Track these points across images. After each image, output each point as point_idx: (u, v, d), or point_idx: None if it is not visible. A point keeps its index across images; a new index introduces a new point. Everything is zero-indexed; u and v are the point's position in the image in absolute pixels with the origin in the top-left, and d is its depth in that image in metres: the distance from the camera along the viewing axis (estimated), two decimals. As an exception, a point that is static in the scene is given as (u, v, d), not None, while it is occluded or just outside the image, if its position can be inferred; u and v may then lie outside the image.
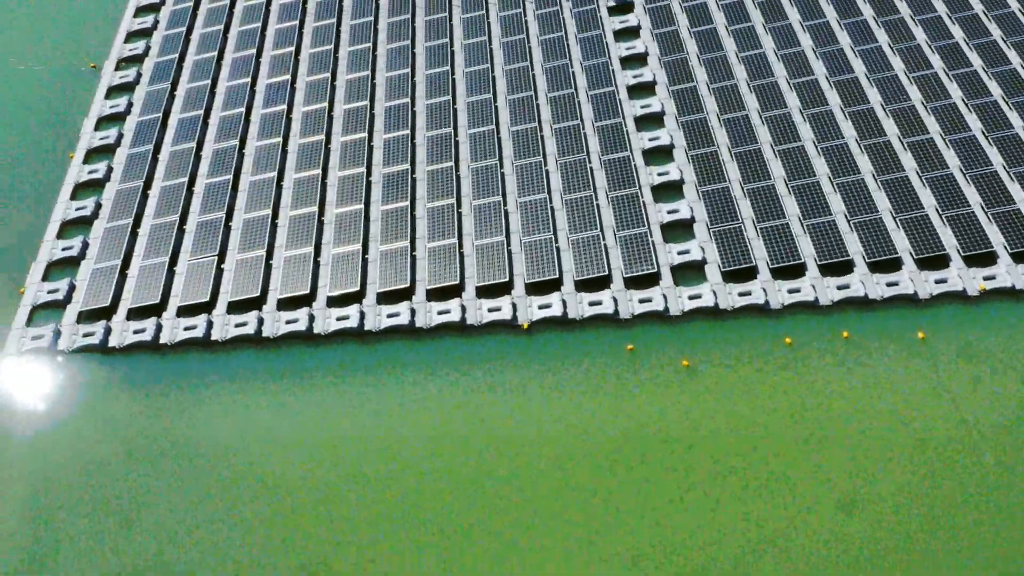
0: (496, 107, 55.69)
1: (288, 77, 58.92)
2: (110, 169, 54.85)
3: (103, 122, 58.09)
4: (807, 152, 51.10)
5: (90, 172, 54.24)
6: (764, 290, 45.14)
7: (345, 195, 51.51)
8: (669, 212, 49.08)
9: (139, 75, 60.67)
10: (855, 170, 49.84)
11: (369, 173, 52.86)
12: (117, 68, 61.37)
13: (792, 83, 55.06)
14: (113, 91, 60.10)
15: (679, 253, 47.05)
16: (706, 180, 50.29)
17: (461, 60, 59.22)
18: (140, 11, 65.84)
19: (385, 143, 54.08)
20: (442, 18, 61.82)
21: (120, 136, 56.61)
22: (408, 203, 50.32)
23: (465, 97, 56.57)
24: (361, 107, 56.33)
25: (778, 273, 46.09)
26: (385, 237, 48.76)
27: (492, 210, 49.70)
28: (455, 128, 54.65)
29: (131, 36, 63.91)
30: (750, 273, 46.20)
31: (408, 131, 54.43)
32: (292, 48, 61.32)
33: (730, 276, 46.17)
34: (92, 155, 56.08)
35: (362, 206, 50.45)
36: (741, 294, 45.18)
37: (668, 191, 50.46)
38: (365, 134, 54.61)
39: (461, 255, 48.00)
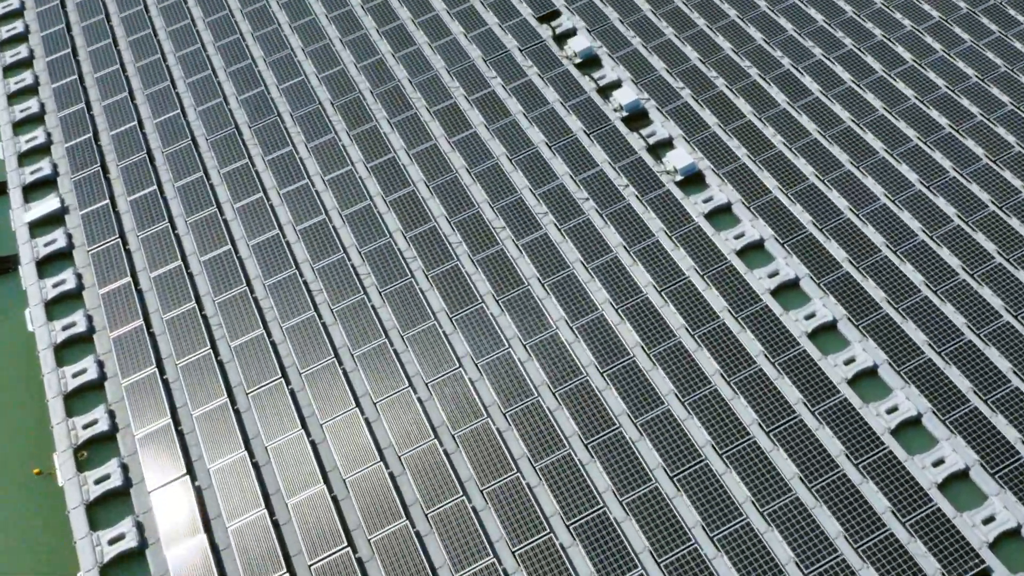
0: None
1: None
2: None
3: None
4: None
5: None
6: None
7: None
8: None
9: (126, 472, 40.69)
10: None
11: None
12: (80, 467, 40.96)
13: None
14: (95, 508, 39.81)
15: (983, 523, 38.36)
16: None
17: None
18: (75, 394, 45.09)
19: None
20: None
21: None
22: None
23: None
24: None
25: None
26: None
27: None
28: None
29: (69, 397, 43.48)
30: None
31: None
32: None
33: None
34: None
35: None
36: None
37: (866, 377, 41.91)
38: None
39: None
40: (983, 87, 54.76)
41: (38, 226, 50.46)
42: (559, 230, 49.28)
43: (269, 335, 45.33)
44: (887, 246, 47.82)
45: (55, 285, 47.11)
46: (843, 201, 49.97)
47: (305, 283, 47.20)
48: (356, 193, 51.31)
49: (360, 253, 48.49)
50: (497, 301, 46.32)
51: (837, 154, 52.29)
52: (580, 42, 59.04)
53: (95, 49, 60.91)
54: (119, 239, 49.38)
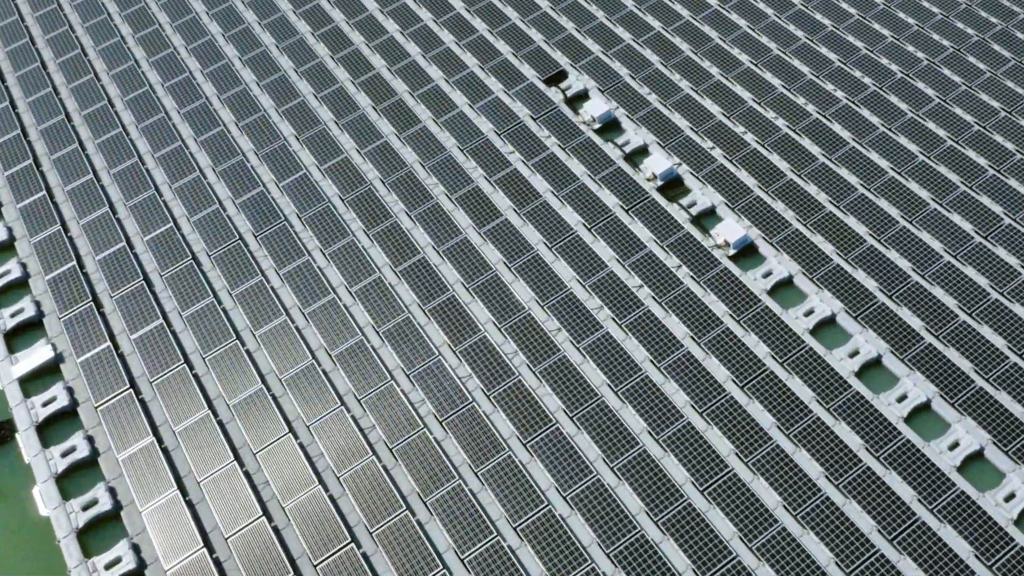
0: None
1: None
2: None
3: None
4: None
5: None
6: None
7: None
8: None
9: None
10: None
11: None
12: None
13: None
14: None
15: None
16: None
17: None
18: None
19: None
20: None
21: None
22: None
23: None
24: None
25: None
26: None
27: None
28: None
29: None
30: None
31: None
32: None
33: None
34: None
35: None
36: None
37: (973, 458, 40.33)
38: None
39: None
40: (1012, 120, 53.40)
41: (29, 380, 44.18)
42: (619, 326, 45.49)
43: (327, 489, 40.34)
44: (961, 308, 45.82)
45: (64, 454, 40.74)
46: (905, 262, 47.86)
47: (354, 418, 42.32)
48: (390, 305, 46.54)
49: (409, 377, 43.76)
50: (571, 418, 42.41)
51: (886, 208, 50.13)
52: (597, 106, 55.35)
53: (61, 156, 54.23)
54: (131, 389, 43.24)
